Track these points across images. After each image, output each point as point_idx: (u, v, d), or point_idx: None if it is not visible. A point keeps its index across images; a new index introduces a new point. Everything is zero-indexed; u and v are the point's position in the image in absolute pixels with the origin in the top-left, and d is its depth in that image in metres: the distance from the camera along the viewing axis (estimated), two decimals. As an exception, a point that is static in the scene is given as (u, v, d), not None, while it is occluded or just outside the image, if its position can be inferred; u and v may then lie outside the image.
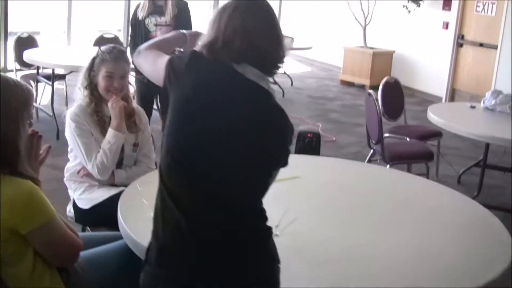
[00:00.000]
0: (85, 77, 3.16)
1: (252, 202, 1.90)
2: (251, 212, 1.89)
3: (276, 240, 2.33)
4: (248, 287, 1.83)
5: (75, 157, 3.19)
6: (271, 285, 1.88)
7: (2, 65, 9.03)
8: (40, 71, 6.87)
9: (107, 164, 3.07)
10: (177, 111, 1.89)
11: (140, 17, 5.04)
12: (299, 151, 6.10)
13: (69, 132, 3.11)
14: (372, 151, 5.25)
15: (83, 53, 5.56)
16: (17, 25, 9.05)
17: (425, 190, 3.11)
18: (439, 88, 9.43)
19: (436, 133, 5.58)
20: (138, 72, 5.19)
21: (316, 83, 10.51)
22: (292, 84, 10.01)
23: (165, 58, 2.00)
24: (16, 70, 7.01)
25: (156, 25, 5.02)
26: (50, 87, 6.64)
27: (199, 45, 1.94)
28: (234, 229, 1.85)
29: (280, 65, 1.97)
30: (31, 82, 6.67)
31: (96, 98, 3.15)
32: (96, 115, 3.14)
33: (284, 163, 1.96)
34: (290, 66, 11.21)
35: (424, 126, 5.84)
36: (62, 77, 6.94)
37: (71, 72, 6.63)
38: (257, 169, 1.87)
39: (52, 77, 6.51)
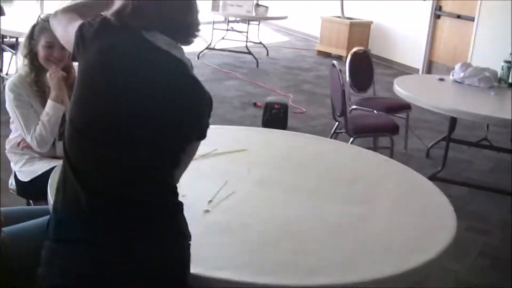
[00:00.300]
0: (25, 46, 3.04)
1: (160, 176, 1.80)
2: (158, 187, 1.80)
3: (207, 216, 2.28)
4: (153, 264, 1.73)
5: (16, 129, 3.09)
6: (179, 262, 1.79)
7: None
8: (6, 39, 6.73)
9: (45, 136, 2.96)
10: (81, 79, 1.80)
11: None
12: (265, 122, 6.04)
13: (8, 103, 3.00)
14: (337, 123, 5.16)
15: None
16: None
17: (375, 166, 3.03)
18: (417, 60, 9.35)
19: (405, 106, 5.48)
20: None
21: (292, 54, 10.40)
22: (267, 54, 9.89)
23: (78, 23, 1.89)
24: (-18, 38, 6.85)
25: None
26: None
27: (109, 12, 1.84)
28: (138, 203, 1.75)
29: (196, 33, 1.89)
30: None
31: (36, 68, 3.03)
32: (36, 85, 3.02)
33: (200, 136, 1.89)
34: (266, 36, 11.10)
35: (393, 99, 5.74)
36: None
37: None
38: (166, 142, 1.79)
39: (16, 46, 6.37)
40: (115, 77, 1.76)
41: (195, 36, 1.89)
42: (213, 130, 3.22)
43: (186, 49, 1.89)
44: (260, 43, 9.87)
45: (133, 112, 1.73)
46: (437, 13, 9.12)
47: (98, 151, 1.75)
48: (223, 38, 9.72)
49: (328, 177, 2.79)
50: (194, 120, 1.82)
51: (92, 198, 1.72)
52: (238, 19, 9.77)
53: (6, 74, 6.90)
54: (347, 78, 5.50)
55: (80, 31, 1.84)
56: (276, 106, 6.08)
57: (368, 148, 5.45)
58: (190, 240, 1.83)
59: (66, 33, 1.93)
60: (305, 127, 6.29)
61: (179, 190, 1.89)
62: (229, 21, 10.00)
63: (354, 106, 5.45)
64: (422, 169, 2.95)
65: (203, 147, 2.92)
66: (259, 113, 6.40)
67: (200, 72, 8.30)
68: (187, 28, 1.86)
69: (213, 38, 9.48)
